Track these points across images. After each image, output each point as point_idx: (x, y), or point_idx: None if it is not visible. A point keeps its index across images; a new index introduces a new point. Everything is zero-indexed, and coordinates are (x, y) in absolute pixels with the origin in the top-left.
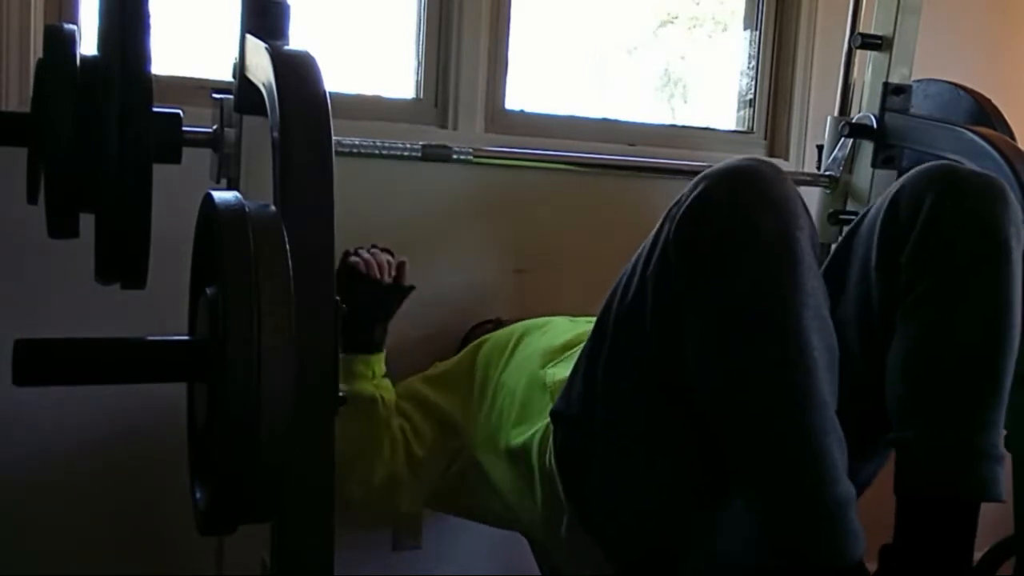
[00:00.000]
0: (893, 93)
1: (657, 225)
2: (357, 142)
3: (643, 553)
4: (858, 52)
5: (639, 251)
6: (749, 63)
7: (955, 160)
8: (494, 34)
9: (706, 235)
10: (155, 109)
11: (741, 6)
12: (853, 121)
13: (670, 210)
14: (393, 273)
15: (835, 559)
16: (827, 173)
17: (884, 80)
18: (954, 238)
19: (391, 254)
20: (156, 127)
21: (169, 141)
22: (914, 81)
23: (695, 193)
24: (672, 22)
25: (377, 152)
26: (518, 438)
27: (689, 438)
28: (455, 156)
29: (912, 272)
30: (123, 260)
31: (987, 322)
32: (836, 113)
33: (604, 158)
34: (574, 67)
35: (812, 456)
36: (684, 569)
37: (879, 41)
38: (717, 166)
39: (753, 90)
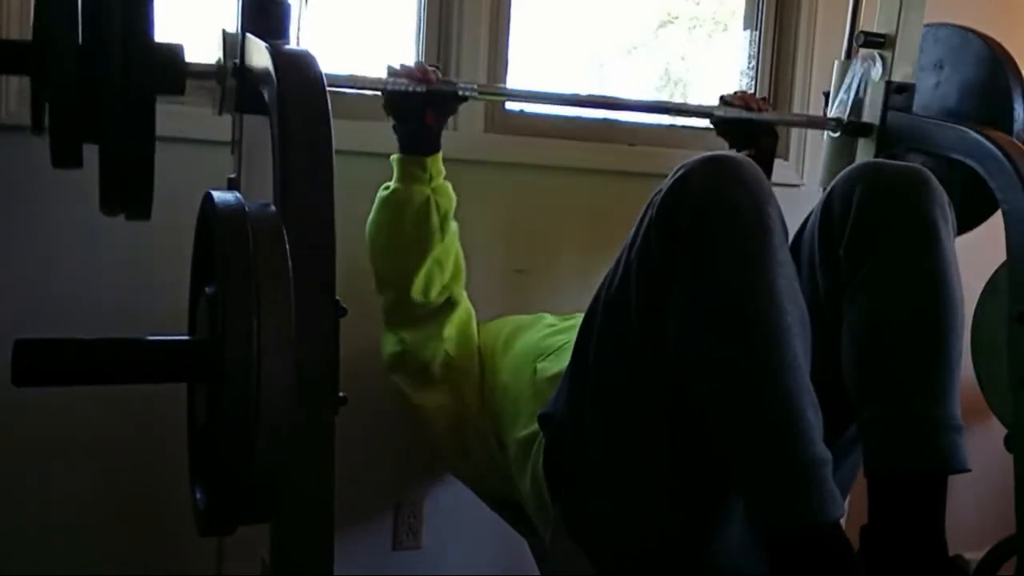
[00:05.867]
0: (896, 92)
1: (640, 214)
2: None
3: (633, 558)
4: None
5: (624, 243)
6: (749, 63)
7: (958, 160)
8: (494, 33)
9: (684, 213)
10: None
11: (741, 6)
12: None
13: (652, 197)
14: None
15: (810, 518)
16: (834, 116)
17: (887, 79)
18: (884, 224)
19: (437, 69)
20: (159, 57)
21: (172, 71)
22: (924, 26)
23: (675, 178)
24: (672, 22)
25: (381, 87)
26: (522, 431)
27: (681, 430)
28: (460, 92)
29: (850, 262)
30: (127, 190)
31: (923, 299)
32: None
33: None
34: (574, 67)
35: (786, 416)
36: (680, 570)
37: (882, 39)
38: (694, 157)
39: (753, 90)
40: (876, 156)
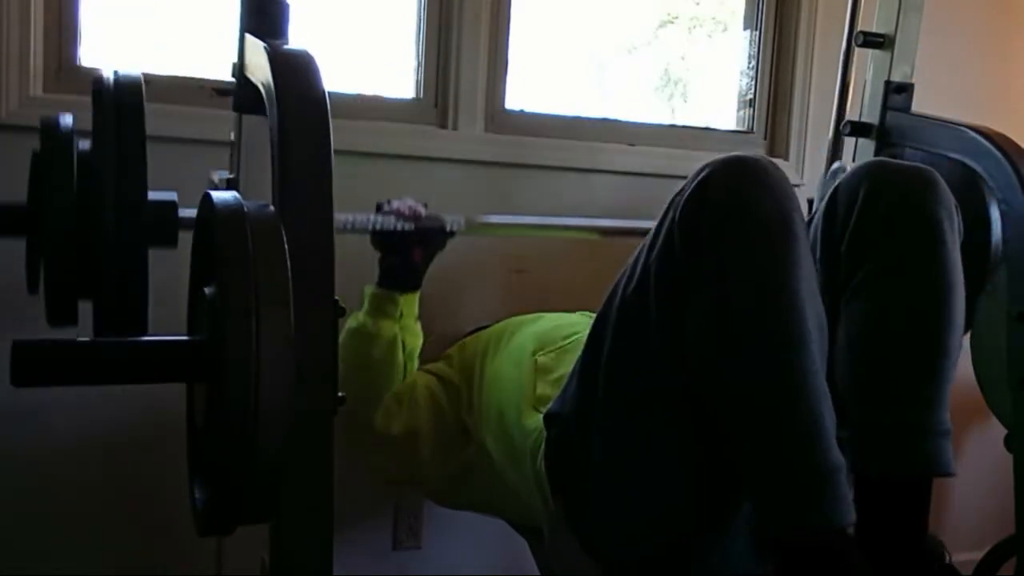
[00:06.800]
0: (895, 92)
1: (661, 214)
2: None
3: (638, 559)
4: (857, 52)
5: (643, 243)
6: (749, 63)
7: (957, 159)
8: (494, 34)
9: (707, 216)
10: (151, 196)
11: (741, 6)
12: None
13: (673, 198)
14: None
15: (827, 523)
16: None
17: (885, 79)
18: (888, 225)
19: (425, 206)
20: (152, 213)
21: (166, 226)
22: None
23: (697, 180)
24: (672, 22)
25: (371, 227)
26: (523, 421)
27: (693, 433)
28: (449, 228)
29: (850, 260)
30: (122, 316)
31: (924, 302)
32: (834, 112)
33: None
34: (574, 67)
35: (806, 422)
36: (686, 569)
37: (881, 39)
38: (718, 157)
39: (753, 90)
40: (876, 156)
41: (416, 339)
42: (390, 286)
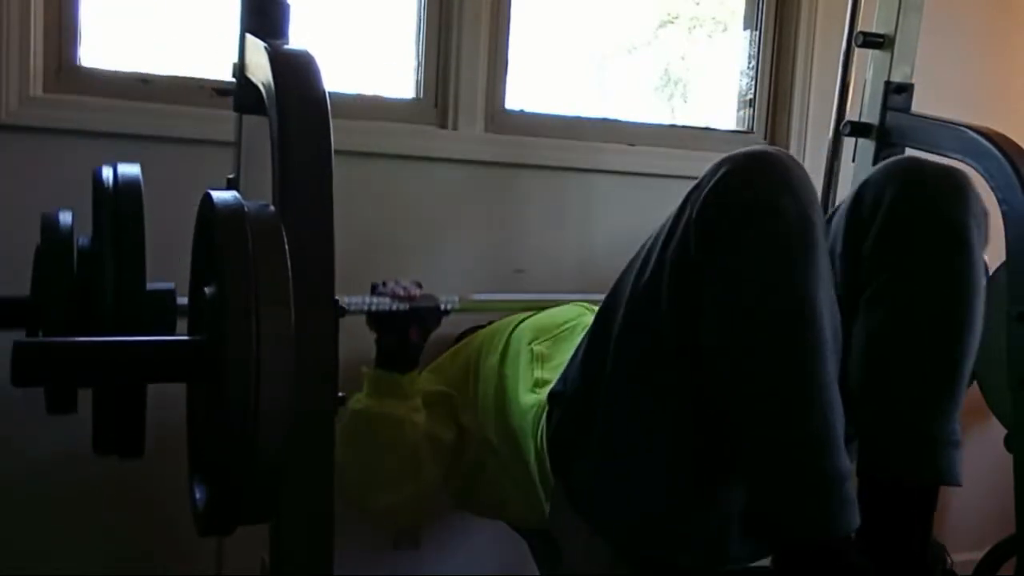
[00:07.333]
0: (895, 92)
1: (677, 208)
2: None
3: (639, 532)
4: (857, 52)
5: (655, 235)
6: (749, 63)
7: (957, 159)
8: (494, 34)
9: (727, 215)
10: (149, 286)
11: (741, 6)
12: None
13: (690, 193)
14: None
15: (833, 529)
16: None
17: (886, 79)
18: (914, 229)
19: (419, 286)
20: (151, 304)
21: (163, 316)
22: None
23: (716, 177)
24: (672, 22)
25: (365, 308)
26: (522, 401)
27: (694, 418)
28: (443, 307)
29: (873, 263)
30: (120, 434)
31: (945, 312)
32: (834, 112)
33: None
34: (574, 67)
35: (818, 432)
36: (681, 549)
37: (880, 39)
38: (737, 151)
39: (753, 90)
40: (876, 156)
41: (420, 416)
42: (389, 367)
